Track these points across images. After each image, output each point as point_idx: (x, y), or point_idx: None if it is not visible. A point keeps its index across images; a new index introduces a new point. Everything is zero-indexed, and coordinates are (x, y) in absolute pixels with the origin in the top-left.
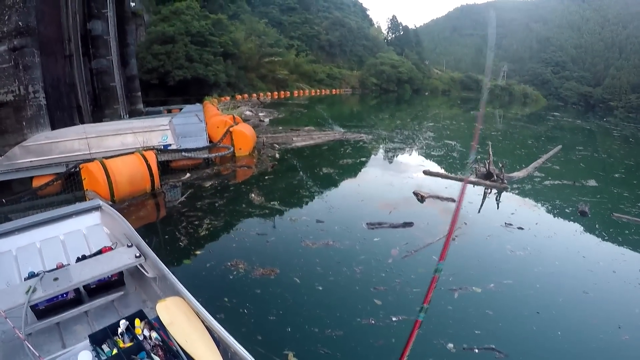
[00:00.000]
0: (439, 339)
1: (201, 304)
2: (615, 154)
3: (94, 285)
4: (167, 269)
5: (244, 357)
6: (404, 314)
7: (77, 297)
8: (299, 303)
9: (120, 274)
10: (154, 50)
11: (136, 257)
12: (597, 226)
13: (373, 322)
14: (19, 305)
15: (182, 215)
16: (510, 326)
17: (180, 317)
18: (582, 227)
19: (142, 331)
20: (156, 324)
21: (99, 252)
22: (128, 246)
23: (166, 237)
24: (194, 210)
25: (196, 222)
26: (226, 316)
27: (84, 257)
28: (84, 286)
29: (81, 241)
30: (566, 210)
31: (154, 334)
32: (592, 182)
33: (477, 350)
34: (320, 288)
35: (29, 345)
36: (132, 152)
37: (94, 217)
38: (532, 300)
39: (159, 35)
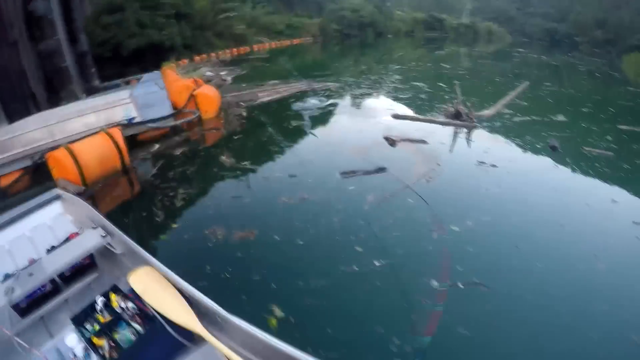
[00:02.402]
0: (422, 277)
1: (180, 274)
2: (582, 89)
3: (69, 273)
4: (133, 243)
5: (214, 310)
6: (385, 258)
7: (55, 288)
8: (281, 260)
9: (91, 256)
10: (102, 22)
11: (102, 237)
12: (568, 160)
13: (356, 269)
14: (1, 309)
15: (156, 189)
16: (491, 261)
17: (152, 283)
18: (554, 162)
19: (119, 304)
20: (130, 295)
21: (67, 239)
22: (93, 228)
23: (143, 214)
24: (167, 181)
25: (171, 194)
26: (209, 284)
27: (53, 248)
28: (59, 275)
29: (48, 233)
30: (537, 145)
31: (130, 304)
32: (560, 117)
33: (461, 286)
34: (301, 242)
35: (19, 341)
36: (97, 132)
37: (55, 207)
38: (510, 235)
39: (105, 5)
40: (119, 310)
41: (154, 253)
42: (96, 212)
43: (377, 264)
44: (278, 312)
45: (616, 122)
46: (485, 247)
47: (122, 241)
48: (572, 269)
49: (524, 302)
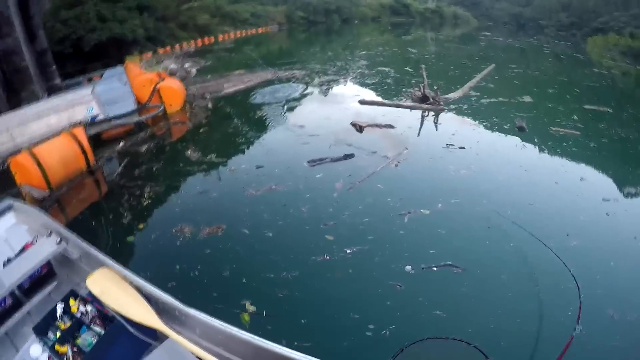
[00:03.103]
0: (397, 263)
1: (148, 277)
2: (548, 71)
3: (28, 285)
4: (89, 246)
5: (173, 305)
6: (357, 245)
7: (15, 301)
8: (251, 253)
9: (49, 264)
10: (61, 17)
11: (57, 243)
12: (536, 140)
13: (328, 257)
14: None
15: (122, 188)
16: (463, 242)
17: (109, 285)
18: (522, 142)
19: (78, 308)
20: (89, 298)
21: (22, 250)
22: (48, 236)
23: (110, 216)
24: (133, 179)
25: (137, 193)
26: (178, 283)
27: (9, 261)
28: (18, 288)
29: (2, 245)
30: (505, 127)
31: (89, 308)
32: (527, 99)
33: (435, 269)
34: (270, 234)
35: None
36: (60, 133)
37: (8, 218)
38: (481, 216)
39: None
40: (78, 315)
41: (118, 256)
42: (50, 219)
43: (348, 251)
44: (250, 306)
45: (582, 102)
46: (456, 229)
47: (78, 246)
48: (545, 248)
49: (497, 282)
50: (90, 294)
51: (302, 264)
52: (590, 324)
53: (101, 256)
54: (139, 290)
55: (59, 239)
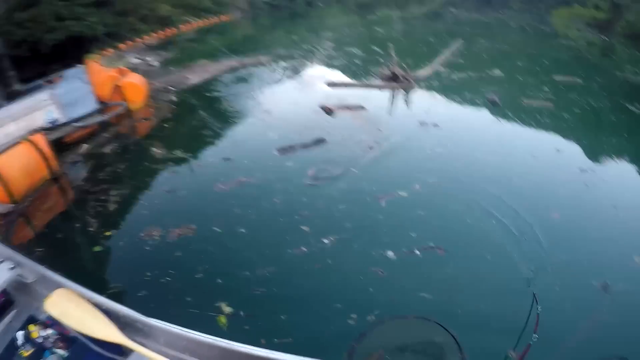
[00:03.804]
0: (378, 249)
1: (117, 289)
2: (515, 44)
3: None
4: (44, 268)
5: (134, 318)
6: (334, 234)
7: None
8: (224, 252)
9: (4, 292)
10: (16, 19)
11: (10, 269)
12: (509, 114)
13: (305, 249)
14: None
15: (88, 194)
16: (444, 223)
17: (68, 305)
18: (496, 117)
19: (39, 333)
20: (49, 322)
21: None
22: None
23: (77, 225)
24: (99, 183)
25: (103, 198)
26: (149, 292)
27: None
28: None
29: None
30: (477, 101)
31: (50, 331)
32: (497, 72)
33: (418, 252)
34: (243, 230)
35: None
36: (19, 142)
37: None
38: (459, 194)
39: (18, 0)
40: (40, 340)
41: (85, 270)
42: (1, 244)
43: (326, 241)
44: (226, 308)
45: (551, 73)
46: (436, 210)
47: (33, 270)
48: (526, 223)
49: (482, 261)
50: (49, 317)
51: (278, 258)
52: (577, 295)
53: (57, 277)
54: (99, 307)
55: (12, 264)
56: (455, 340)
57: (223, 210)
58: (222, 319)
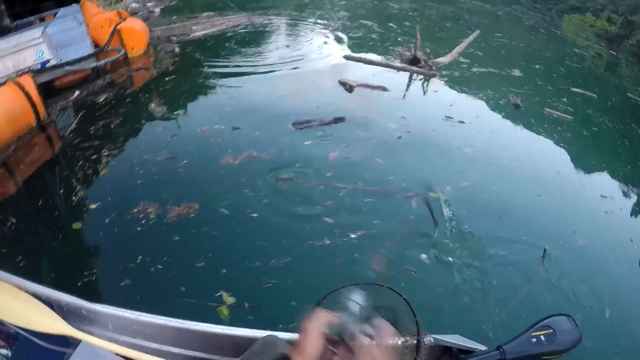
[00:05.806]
0: (411, 250)
1: (99, 276)
2: (531, 44)
3: None
4: None
5: (78, 305)
6: (362, 229)
7: None
8: (231, 239)
9: None
10: None
11: None
12: (532, 121)
13: (328, 242)
14: None
15: (76, 150)
16: (475, 233)
17: (4, 298)
18: (519, 122)
19: None
20: None
21: None
22: None
23: (61, 191)
24: (89, 138)
25: (93, 157)
26: (134, 281)
27: None
28: None
29: None
30: (500, 101)
31: None
32: (517, 72)
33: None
34: (255, 215)
35: None
36: (4, 83)
37: None
38: (491, 204)
39: None
40: None
41: (57, 252)
42: None
43: (353, 236)
44: (228, 298)
45: (568, 83)
46: (468, 217)
47: None
48: (554, 245)
49: (508, 280)
50: None
51: (295, 249)
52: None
53: None
54: (38, 297)
55: None
56: (408, 303)
57: (231, 189)
58: (224, 311)
